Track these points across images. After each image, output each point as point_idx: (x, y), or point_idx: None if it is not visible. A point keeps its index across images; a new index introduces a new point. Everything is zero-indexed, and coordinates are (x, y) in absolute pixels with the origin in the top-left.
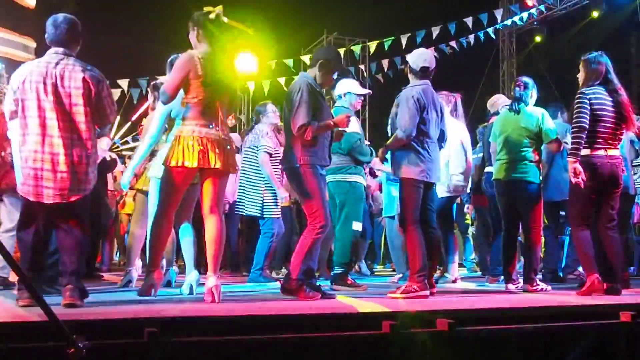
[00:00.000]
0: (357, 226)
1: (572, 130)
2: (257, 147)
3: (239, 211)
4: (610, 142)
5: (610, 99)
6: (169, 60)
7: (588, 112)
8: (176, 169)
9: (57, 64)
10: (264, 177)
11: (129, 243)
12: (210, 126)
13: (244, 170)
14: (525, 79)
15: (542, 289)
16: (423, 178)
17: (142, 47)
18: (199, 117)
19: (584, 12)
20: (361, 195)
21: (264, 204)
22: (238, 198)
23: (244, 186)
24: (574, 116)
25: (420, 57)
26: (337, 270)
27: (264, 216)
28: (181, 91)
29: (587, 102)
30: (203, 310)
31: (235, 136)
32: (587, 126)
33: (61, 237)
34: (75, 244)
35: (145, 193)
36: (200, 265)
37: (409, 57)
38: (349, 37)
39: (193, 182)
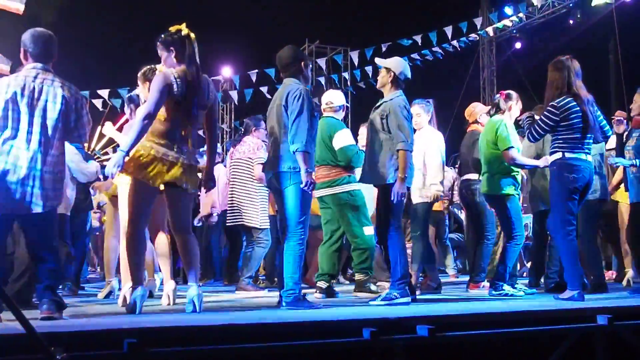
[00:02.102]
0: (369, 231)
1: (528, 128)
2: (251, 159)
3: (234, 221)
4: (586, 147)
5: (577, 105)
6: (140, 72)
7: (548, 129)
8: (139, 181)
9: (35, 77)
10: (258, 188)
11: (105, 254)
12: (171, 148)
13: (237, 181)
14: (511, 91)
15: (506, 294)
16: (409, 183)
17: (122, 56)
18: (161, 135)
19: (562, 19)
20: (363, 201)
21: (260, 214)
22: (230, 208)
23: (236, 196)
24: (539, 120)
25: (406, 67)
26: (359, 276)
27: (260, 227)
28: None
29: (556, 118)
30: (183, 320)
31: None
32: (538, 138)
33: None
34: (49, 257)
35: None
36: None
37: (392, 64)
38: (330, 46)
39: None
